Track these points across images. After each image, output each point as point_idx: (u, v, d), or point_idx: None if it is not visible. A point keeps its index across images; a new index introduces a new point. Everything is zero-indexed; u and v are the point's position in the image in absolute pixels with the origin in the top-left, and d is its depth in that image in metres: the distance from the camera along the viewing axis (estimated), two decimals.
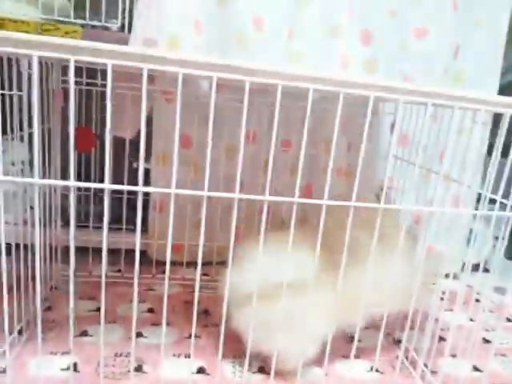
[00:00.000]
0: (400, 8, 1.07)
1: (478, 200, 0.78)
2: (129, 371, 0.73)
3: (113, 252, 1.07)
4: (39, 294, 0.63)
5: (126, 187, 0.58)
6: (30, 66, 0.71)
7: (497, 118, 0.70)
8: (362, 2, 1.03)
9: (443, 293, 0.81)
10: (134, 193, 0.57)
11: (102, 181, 0.57)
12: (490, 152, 1.17)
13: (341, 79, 0.60)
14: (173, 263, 0.65)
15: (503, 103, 0.67)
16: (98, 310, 0.93)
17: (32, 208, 0.59)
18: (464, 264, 0.80)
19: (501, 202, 0.73)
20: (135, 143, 0.80)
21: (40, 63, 0.79)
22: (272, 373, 0.71)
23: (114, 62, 0.53)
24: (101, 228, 0.58)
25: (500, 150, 0.72)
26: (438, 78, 1.15)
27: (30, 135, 0.73)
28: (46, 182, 0.55)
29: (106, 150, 0.52)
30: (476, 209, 0.77)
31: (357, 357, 0.84)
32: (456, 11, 1.12)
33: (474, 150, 1.20)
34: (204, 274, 1.09)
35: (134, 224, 0.59)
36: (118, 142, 1.04)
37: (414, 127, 0.87)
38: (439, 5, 1.10)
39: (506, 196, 0.73)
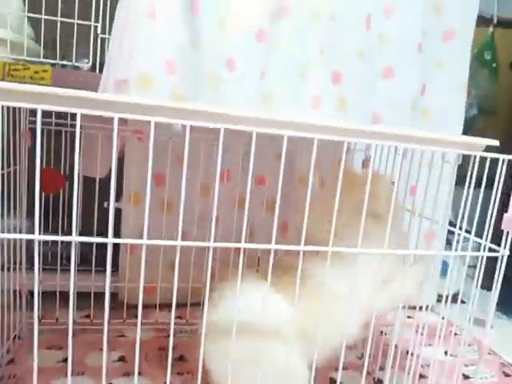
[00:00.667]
0: (368, 49, 1.11)
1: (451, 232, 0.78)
2: None
3: (81, 296, 1.02)
4: None
5: (94, 239, 0.56)
6: None
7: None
8: (332, 43, 1.06)
9: (422, 327, 0.80)
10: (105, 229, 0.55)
11: (71, 222, 0.54)
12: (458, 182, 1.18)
13: (314, 124, 0.60)
14: (145, 306, 0.62)
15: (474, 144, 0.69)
16: (66, 360, 0.87)
17: None
18: (440, 296, 0.80)
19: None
20: (106, 181, 0.78)
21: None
22: None
23: (84, 112, 0.52)
24: (69, 270, 0.55)
25: (471, 187, 0.73)
26: (406, 116, 1.18)
27: None
28: (10, 236, 0.52)
29: (74, 202, 0.50)
30: (449, 242, 0.77)
31: None
32: (421, 52, 1.17)
33: (444, 184, 1.22)
34: (178, 317, 1.05)
35: (104, 265, 0.56)
36: (88, 181, 1.02)
37: (384, 165, 0.89)
38: (405, 46, 1.15)
39: (479, 232, 0.73)
